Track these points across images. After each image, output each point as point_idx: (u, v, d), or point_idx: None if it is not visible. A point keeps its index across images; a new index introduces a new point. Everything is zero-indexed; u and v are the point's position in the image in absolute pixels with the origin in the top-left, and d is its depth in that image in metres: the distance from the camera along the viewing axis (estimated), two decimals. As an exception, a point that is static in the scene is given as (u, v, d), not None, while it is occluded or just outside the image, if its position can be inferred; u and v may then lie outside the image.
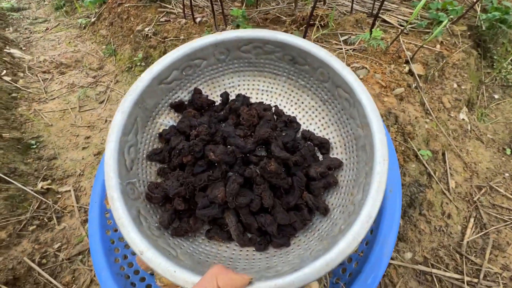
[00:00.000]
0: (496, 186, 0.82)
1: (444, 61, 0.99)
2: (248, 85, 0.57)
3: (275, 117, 0.56)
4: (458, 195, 0.79)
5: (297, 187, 0.46)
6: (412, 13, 1.22)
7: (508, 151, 0.93)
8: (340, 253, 0.32)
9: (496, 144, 0.96)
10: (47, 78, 1.46)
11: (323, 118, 0.54)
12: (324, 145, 0.52)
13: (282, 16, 1.28)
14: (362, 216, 0.34)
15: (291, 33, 1.12)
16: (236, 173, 0.46)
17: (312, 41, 1.05)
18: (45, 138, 1.08)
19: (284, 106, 0.56)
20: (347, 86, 0.45)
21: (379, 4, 0.99)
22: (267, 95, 0.57)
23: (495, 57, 1.25)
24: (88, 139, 1.07)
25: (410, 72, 0.91)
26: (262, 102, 0.57)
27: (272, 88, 0.57)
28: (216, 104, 0.57)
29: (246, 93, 0.58)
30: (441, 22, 1.07)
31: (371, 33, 0.89)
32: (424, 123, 0.79)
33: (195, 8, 1.53)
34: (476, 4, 1.29)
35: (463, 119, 0.97)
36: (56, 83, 1.43)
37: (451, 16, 1.19)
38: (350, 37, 1.03)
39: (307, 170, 0.48)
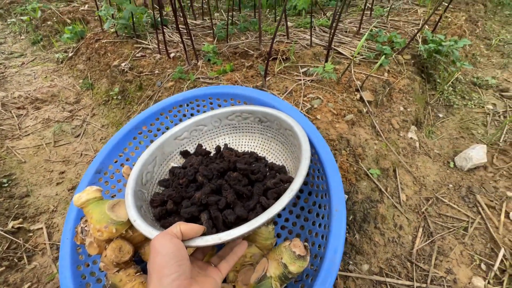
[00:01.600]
0: (441, 197, 0.92)
1: (390, 87, 1.13)
2: (234, 141, 0.83)
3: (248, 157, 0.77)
4: (409, 207, 0.88)
5: (255, 194, 0.61)
6: (365, 45, 1.38)
7: (451, 164, 1.05)
8: (273, 209, 0.49)
9: (441, 158, 1.08)
10: (22, 114, 1.47)
11: (283, 154, 0.75)
12: (281, 170, 0.70)
13: (249, 50, 1.40)
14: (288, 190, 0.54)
15: (257, 65, 1.23)
16: (210, 183, 0.64)
17: (276, 73, 1.16)
18: (18, 175, 1.08)
19: (258, 151, 0.80)
20: (290, 127, 0.68)
21: (331, 37, 1.13)
22: (247, 147, 0.82)
23: (437, 80, 1.42)
24: (62, 174, 1.09)
25: (361, 99, 1.03)
26: (243, 151, 0.81)
27: (250, 141, 0.81)
28: (211, 153, 0.81)
29: (233, 147, 0.82)
30: (386, 54, 1.23)
31: (324, 67, 1.01)
32: (373, 145, 0.89)
33: (170, 43, 1.64)
34: (417, 36, 1.49)
35: (411, 138, 1.09)
36: (31, 119, 1.44)
37: (396, 47, 1.36)
38: (308, 69, 1.16)
39: (265, 183, 0.64)
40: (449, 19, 1.88)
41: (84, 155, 1.18)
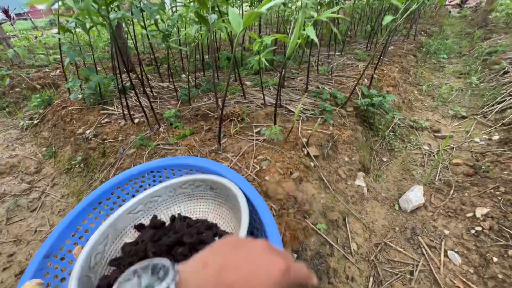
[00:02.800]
0: (389, 241, 0.99)
1: (334, 140, 1.26)
2: (189, 209, 0.86)
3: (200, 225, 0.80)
4: (360, 256, 0.93)
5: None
6: (310, 101, 1.56)
7: (396, 207, 1.15)
8: None
9: (388, 201, 1.18)
10: (-25, 190, 1.41)
11: (232, 220, 0.80)
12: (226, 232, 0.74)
13: (210, 112, 1.52)
14: None
15: (215, 128, 1.33)
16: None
17: (232, 135, 1.26)
18: (-40, 263, 1.01)
19: (211, 218, 0.84)
20: (234, 194, 0.74)
21: (279, 101, 1.28)
22: (201, 213, 0.86)
23: (379, 127, 1.61)
24: (11, 257, 1.03)
25: (308, 154, 1.14)
26: (198, 218, 0.84)
27: (203, 207, 0.85)
28: (167, 224, 0.82)
29: (187, 214, 0.85)
30: (328, 110, 1.40)
31: (271, 129, 1.13)
32: (320, 198, 0.97)
33: (135, 108, 1.73)
34: (357, 90, 1.71)
35: (359, 185, 1.19)
36: (-16, 195, 1.38)
37: (339, 102, 1.55)
38: (261, 129, 1.27)
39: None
40: (385, 71, 2.19)
41: (38, 231, 1.14)
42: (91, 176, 1.37)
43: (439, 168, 1.32)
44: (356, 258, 0.92)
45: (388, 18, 1.18)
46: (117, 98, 1.88)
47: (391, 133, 1.60)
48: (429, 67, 2.90)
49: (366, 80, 1.98)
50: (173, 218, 0.86)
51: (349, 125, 1.42)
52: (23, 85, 2.78)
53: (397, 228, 1.05)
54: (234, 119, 1.36)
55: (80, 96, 1.87)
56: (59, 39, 1.93)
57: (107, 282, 0.66)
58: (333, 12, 1.06)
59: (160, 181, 0.96)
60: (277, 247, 0.62)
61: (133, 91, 1.96)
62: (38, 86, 2.77)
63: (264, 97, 1.53)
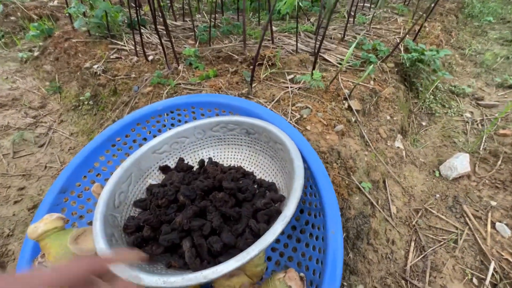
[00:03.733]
0: (430, 208, 0.92)
1: (377, 96, 1.12)
2: (219, 154, 0.77)
3: (235, 172, 0.70)
4: (400, 220, 0.86)
5: (244, 216, 0.56)
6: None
7: (437, 173, 1.05)
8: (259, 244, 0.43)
9: (427, 167, 1.09)
10: (-25, 120, 1.30)
11: (272, 169, 0.70)
12: (271, 187, 0.65)
13: (234, 55, 1.34)
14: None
15: (242, 71, 1.17)
16: (193, 204, 0.57)
17: (262, 80, 1.11)
18: (-32, 193, 0.94)
19: (246, 166, 0.74)
20: (280, 140, 0.62)
21: (319, 45, 1.10)
22: (234, 161, 0.76)
23: (420, 89, 1.45)
24: (22, 191, 0.96)
25: (350, 108, 1.01)
26: (230, 165, 0.75)
27: (236, 155, 0.76)
28: (194, 168, 0.74)
29: (217, 160, 0.76)
30: (372, 62, 1.22)
31: (312, 75, 0.97)
32: (363, 156, 0.87)
33: (148, 45, 1.54)
34: (399, 45, 1.51)
35: (398, 147, 1.08)
36: (-14, 126, 1.27)
37: (380, 55, 1.37)
38: (295, 76, 1.12)
39: (255, 203, 0.59)
40: (427, 28, 1.94)
41: (48, 167, 1.06)
42: (101, 115, 1.25)
43: (484, 137, 1.20)
44: (396, 222, 0.85)
45: None
46: (127, 33, 1.67)
47: (431, 97, 1.45)
48: (469, 31, 2.60)
49: (408, 36, 1.75)
50: (202, 163, 0.74)
51: (391, 82, 1.26)
52: (18, 13, 2.50)
53: (437, 195, 0.97)
54: (264, 64, 1.19)
55: (84, 27, 1.65)
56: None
57: (136, 224, 0.57)
58: None
59: (186, 121, 0.84)
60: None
61: (143, 27, 1.73)
62: (35, 17, 2.49)
63: (297, 42, 1.34)
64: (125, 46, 1.54)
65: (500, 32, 2.62)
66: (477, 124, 1.32)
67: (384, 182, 0.93)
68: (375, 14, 2.11)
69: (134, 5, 1.71)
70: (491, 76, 1.76)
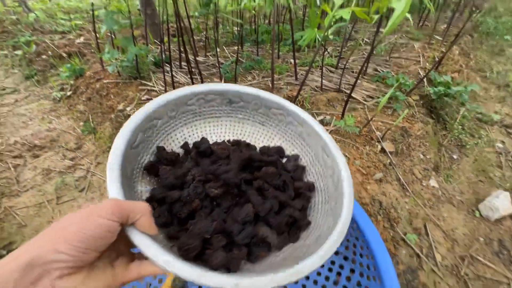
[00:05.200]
0: (476, 254, 0.89)
1: (408, 134, 1.12)
2: (198, 132, 0.61)
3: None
4: (446, 269, 0.84)
5: (289, 188, 0.49)
6: (373, 87, 1.40)
7: (477, 213, 1.03)
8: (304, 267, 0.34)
9: (465, 206, 1.07)
10: (19, 164, 1.38)
11: (264, 136, 0.62)
12: (279, 150, 0.57)
13: (260, 94, 1.39)
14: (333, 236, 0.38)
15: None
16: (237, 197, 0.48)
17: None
18: (19, 243, 0.98)
19: (231, 138, 0.63)
20: (280, 106, 0.56)
21: (351, 86, 1.13)
22: (216, 136, 0.63)
23: (446, 119, 1.45)
24: (68, 240, 1.00)
25: (383, 150, 1.01)
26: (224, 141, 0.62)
27: (217, 129, 0.63)
28: (180, 155, 0.57)
29: (190, 139, 0.60)
30: (398, 99, 1.24)
31: (342, 116, 1.00)
32: (404, 204, 0.87)
33: (176, 84, 1.61)
34: (418, 77, 1.52)
35: (434, 186, 1.07)
36: (30, 170, 1.35)
37: (404, 88, 1.38)
38: (325, 117, 1.14)
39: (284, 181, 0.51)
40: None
41: (91, 214, 1.10)
42: (137, 157, 1.31)
43: (521, 171, 1.17)
44: (443, 272, 0.83)
45: None
46: (154, 72, 1.76)
47: (460, 127, 1.44)
48: (487, 50, 2.59)
49: (427, 64, 1.77)
50: (187, 147, 0.57)
51: (419, 116, 1.27)
52: (49, 52, 2.67)
53: (481, 239, 0.94)
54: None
55: (117, 67, 1.76)
56: (92, 3, 1.78)
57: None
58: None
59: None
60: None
61: (169, 64, 1.82)
62: (65, 55, 2.66)
63: (322, 79, 1.37)
64: (154, 86, 1.62)
65: (519, 49, 2.59)
66: (511, 156, 1.29)
67: (425, 227, 0.92)
68: (390, 40, 2.15)
69: (159, 42, 1.79)
70: (517, 100, 1.74)
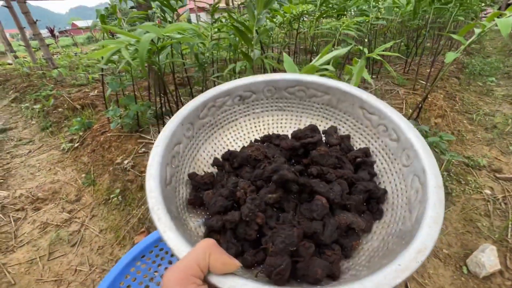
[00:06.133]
0: (462, 317, 0.85)
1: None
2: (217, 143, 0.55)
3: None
4: (430, 336, 0.80)
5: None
6: None
7: (464, 270, 1.00)
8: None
9: (452, 261, 1.04)
10: (20, 218, 1.46)
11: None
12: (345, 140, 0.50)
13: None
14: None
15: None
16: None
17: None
18: (4, 304, 1.01)
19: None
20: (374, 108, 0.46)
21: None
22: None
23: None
24: (53, 300, 1.02)
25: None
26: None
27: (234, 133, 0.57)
28: (215, 174, 0.51)
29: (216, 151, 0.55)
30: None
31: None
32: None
33: (172, 137, 1.73)
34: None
35: (417, 240, 1.06)
36: (29, 223, 1.42)
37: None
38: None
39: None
40: (429, 98, 2.04)
41: (78, 271, 1.13)
42: (128, 210, 1.36)
43: (510, 224, 1.15)
44: None
45: (451, 56, 1.07)
46: (153, 126, 1.90)
47: (445, 173, 1.45)
48: (475, 91, 2.68)
49: (410, 110, 1.85)
50: (226, 159, 0.50)
51: (400, 166, 1.30)
52: (65, 105, 2.94)
53: (469, 299, 0.90)
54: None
55: (119, 124, 1.91)
56: (102, 69, 2.01)
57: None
58: (385, 49, 0.98)
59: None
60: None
61: (168, 117, 1.98)
62: (78, 107, 2.91)
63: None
64: (152, 139, 1.74)
65: (507, 89, 2.68)
66: (500, 203, 1.28)
67: (406, 286, 0.90)
68: (376, 87, 2.28)
69: (159, 93, 1.93)
70: (506, 142, 1.75)
